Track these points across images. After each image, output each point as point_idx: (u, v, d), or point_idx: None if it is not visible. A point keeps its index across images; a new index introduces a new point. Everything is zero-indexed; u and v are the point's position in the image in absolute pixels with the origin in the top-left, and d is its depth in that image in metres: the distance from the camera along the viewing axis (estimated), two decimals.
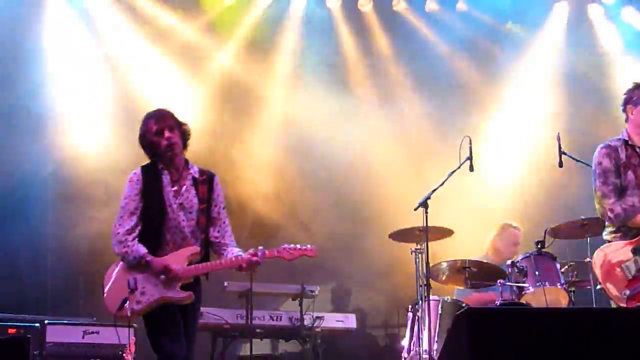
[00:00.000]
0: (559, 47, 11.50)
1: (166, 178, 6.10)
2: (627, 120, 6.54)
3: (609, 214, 6.32)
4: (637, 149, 6.42)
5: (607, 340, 4.65)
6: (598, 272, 6.27)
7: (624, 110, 6.55)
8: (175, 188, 6.10)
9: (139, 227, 6.04)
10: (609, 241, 6.42)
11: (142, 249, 5.97)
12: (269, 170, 10.63)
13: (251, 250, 6.04)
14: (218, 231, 6.20)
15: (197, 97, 10.56)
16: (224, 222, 6.24)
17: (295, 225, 10.45)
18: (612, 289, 6.16)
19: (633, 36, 11.59)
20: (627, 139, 6.47)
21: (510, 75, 11.46)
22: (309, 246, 6.21)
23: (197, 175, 6.18)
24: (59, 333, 8.06)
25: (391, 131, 11.05)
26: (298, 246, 6.17)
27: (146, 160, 6.22)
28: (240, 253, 6.07)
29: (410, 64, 11.25)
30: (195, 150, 10.05)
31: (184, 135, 6.19)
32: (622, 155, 6.40)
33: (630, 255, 6.19)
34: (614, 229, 6.40)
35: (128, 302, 5.87)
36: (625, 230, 6.35)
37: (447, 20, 11.37)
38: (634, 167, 6.36)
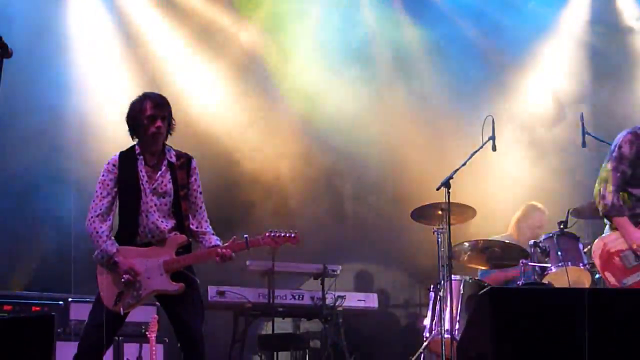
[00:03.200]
0: (580, 23, 11.39)
1: (141, 163, 6.05)
2: None
3: (601, 200, 6.32)
4: None
5: (628, 319, 4.66)
6: (597, 261, 6.32)
7: None
8: (149, 173, 6.04)
9: (112, 213, 6.03)
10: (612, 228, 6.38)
11: (113, 248, 5.94)
12: (288, 150, 10.59)
13: (232, 239, 6.04)
14: (194, 217, 6.12)
15: (218, 76, 10.56)
16: (200, 208, 6.15)
17: (316, 204, 10.45)
18: (610, 278, 6.22)
19: None
20: None
21: (534, 54, 11.35)
22: (292, 233, 6.19)
23: (174, 160, 6.10)
24: (83, 310, 8.06)
25: (414, 109, 10.97)
26: (282, 233, 6.15)
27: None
28: (217, 242, 6.07)
29: (434, 42, 11.15)
30: (216, 130, 10.18)
31: (170, 128, 6.11)
32: None
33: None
34: None
35: (123, 296, 5.88)
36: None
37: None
38: None
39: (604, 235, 6.47)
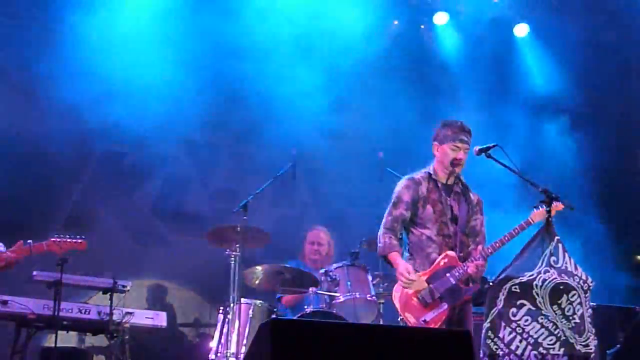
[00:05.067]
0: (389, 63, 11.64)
1: None
2: (433, 155, 6.84)
3: (379, 243, 6.76)
4: (439, 184, 6.74)
5: (400, 355, 4.79)
6: (397, 304, 6.60)
7: (432, 146, 6.85)
8: None
9: None
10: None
11: None
12: (84, 153, 10.28)
13: (16, 245, 5.87)
14: None
15: None
16: None
17: (110, 217, 10.23)
18: (410, 318, 6.51)
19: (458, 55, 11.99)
20: (432, 172, 6.79)
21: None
22: (79, 239, 6.08)
23: None
24: None
25: (220, 127, 10.90)
26: (67, 239, 6.04)
27: None
28: (1, 249, 5.89)
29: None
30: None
31: None
32: (424, 190, 6.74)
33: (426, 284, 6.53)
34: (409, 256, 6.76)
35: None
36: (419, 258, 6.69)
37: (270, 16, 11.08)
38: (433, 202, 6.71)
39: None
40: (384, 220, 6.76)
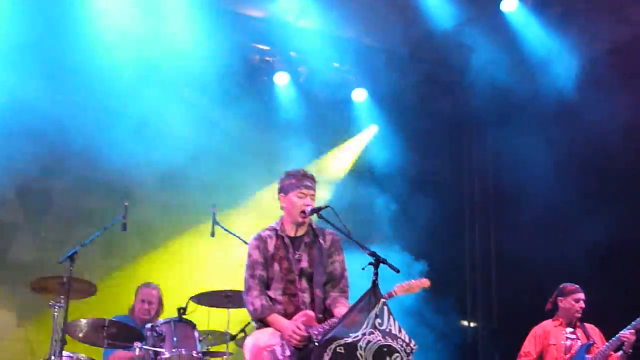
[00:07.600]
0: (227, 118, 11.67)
1: None
2: (282, 208, 6.64)
3: (250, 307, 6.45)
4: (286, 240, 6.53)
5: None
6: (247, 355, 6.36)
7: (279, 199, 6.65)
8: None
9: None
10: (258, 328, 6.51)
11: None
12: None
13: None
14: None
15: None
16: None
17: None
18: None
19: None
20: (278, 228, 6.58)
21: None
22: None
23: None
24: None
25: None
26: None
27: None
28: None
29: None
30: None
31: None
32: (271, 247, 6.50)
33: (279, 340, 6.32)
34: None
35: None
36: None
37: None
38: (280, 259, 6.48)
39: (255, 331, 6.53)
40: (248, 284, 6.46)
